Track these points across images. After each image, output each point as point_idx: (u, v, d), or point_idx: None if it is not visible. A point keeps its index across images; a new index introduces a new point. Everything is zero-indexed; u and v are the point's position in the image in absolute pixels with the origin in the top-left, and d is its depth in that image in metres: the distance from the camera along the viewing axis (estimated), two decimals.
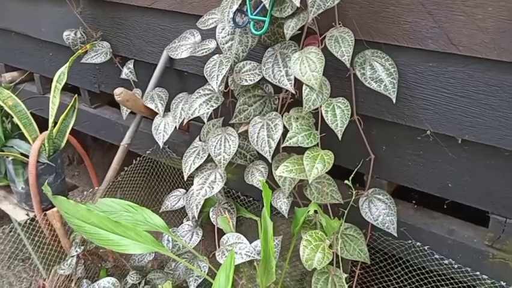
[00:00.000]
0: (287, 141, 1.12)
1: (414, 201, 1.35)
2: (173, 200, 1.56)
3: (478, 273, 1.19)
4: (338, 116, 1.06)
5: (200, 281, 1.38)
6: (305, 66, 1.06)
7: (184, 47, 1.37)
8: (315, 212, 1.19)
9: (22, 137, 1.67)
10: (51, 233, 1.55)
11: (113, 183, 1.64)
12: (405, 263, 1.33)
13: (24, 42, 2.17)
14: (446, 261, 1.24)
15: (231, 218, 1.36)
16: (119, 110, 2.13)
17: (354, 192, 1.14)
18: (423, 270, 1.32)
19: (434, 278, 1.31)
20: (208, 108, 1.21)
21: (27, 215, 1.60)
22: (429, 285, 1.32)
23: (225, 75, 1.14)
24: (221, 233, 1.36)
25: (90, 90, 2.08)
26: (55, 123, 1.59)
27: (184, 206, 1.54)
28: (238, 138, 1.25)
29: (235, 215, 1.40)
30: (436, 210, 1.33)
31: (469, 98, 1.06)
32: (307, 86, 1.07)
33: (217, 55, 1.21)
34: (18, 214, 1.59)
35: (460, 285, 1.26)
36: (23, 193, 1.58)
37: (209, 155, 1.30)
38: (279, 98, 1.25)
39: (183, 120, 1.36)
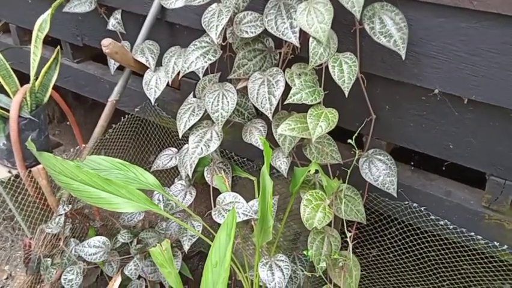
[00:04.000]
0: (290, 97, 1.07)
1: (412, 163, 1.34)
2: (165, 159, 1.51)
3: (472, 233, 1.20)
4: (345, 71, 1.01)
5: (194, 240, 1.35)
6: (312, 17, 1.00)
7: None
8: (316, 171, 1.16)
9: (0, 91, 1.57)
10: (36, 191, 1.49)
11: (101, 141, 1.57)
12: (399, 224, 1.34)
13: None
14: (441, 222, 1.24)
15: (226, 177, 1.33)
16: (104, 65, 2.03)
17: (357, 152, 1.11)
18: (418, 231, 1.33)
19: (428, 239, 1.32)
20: (206, 62, 1.14)
21: (10, 172, 1.52)
22: (422, 245, 1.34)
23: (224, 26, 1.07)
24: (216, 192, 1.33)
25: (72, 44, 1.96)
26: (36, 77, 1.49)
27: (176, 166, 1.50)
28: (236, 94, 1.19)
29: (231, 174, 1.36)
30: (433, 172, 1.33)
31: (479, 57, 1.03)
32: (315, 39, 1.01)
33: (215, 4, 1.13)
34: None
35: (453, 245, 1.28)
36: (4, 149, 1.50)
37: (205, 112, 1.25)
38: (280, 53, 1.19)
39: (178, 74, 1.28)
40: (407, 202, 1.28)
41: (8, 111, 1.46)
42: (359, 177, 1.22)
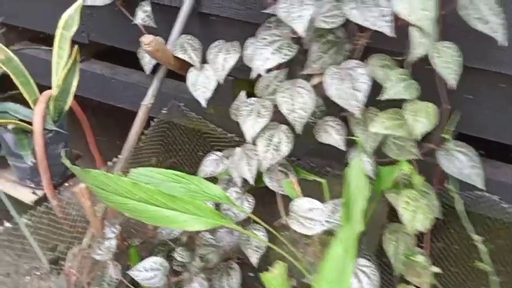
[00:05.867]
0: (385, 92, 0.98)
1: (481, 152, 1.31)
2: (212, 165, 1.38)
3: None
4: (452, 61, 0.94)
5: (262, 252, 1.25)
6: (412, 3, 0.91)
7: None
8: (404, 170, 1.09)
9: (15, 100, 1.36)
10: (64, 211, 1.31)
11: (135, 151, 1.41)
12: (469, 214, 1.31)
13: None
14: None
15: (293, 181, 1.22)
16: (110, 64, 1.83)
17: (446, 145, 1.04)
18: (488, 220, 1.30)
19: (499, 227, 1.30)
20: (283, 58, 1.02)
21: (34, 193, 1.33)
22: (492, 234, 1.32)
23: (312, 16, 0.95)
24: (283, 199, 1.23)
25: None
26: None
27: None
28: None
29: (295, 177, 1.26)
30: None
31: None
32: (417, 27, 0.92)
33: None
34: (22, 193, 1.32)
35: None
36: (27, 168, 1.30)
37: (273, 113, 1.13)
38: (356, 44, 1.09)
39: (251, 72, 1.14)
40: (479, 191, 1.24)
41: (28, 123, 1.26)
42: (424, 171, 1.16)
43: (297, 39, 1.10)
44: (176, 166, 1.67)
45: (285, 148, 1.14)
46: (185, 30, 1.36)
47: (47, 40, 2.03)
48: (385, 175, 1.10)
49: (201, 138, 1.62)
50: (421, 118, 0.96)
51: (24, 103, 1.34)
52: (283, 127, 1.17)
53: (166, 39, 1.34)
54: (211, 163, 1.39)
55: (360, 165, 1.02)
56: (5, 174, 1.38)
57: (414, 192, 1.06)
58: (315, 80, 1.10)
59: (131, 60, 1.73)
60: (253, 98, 1.19)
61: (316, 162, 1.46)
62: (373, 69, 1.04)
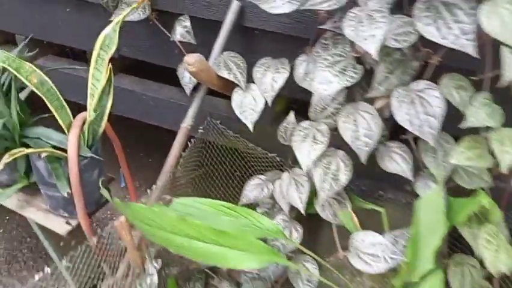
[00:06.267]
0: (467, 120, 0.87)
1: None
2: (256, 190, 1.28)
3: None
4: None
5: (313, 286, 1.15)
6: (505, 19, 0.80)
7: None
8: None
9: (43, 123, 1.27)
10: (98, 240, 1.22)
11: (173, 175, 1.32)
12: None
13: None
14: None
15: (351, 211, 1.12)
16: (138, 78, 1.75)
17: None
18: None
19: None
20: (347, 81, 0.92)
21: (68, 223, 1.24)
22: None
23: (385, 35, 0.84)
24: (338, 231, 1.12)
25: None
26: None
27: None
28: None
29: (350, 206, 1.15)
30: None
31: None
32: (511, 48, 0.81)
33: (357, 8, 0.91)
34: (55, 224, 1.23)
35: None
36: (60, 197, 1.21)
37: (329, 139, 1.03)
38: (426, 63, 0.98)
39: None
40: None
41: (62, 149, 1.18)
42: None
43: (358, 58, 1.00)
44: (207, 179, 1.58)
45: (344, 177, 1.04)
46: (226, 46, 1.26)
47: (73, 54, 1.96)
48: (459, 208, 0.99)
49: (238, 157, 1.53)
50: (509, 148, 0.85)
51: (56, 125, 1.26)
52: (341, 153, 1.07)
53: (201, 52, 1.25)
54: (254, 188, 1.29)
55: (435, 200, 0.92)
56: (36, 202, 1.29)
57: (494, 228, 0.95)
58: (380, 103, 0.99)
59: (157, 72, 1.65)
60: (306, 122, 1.09)
61: (366, 184, 1.36)
62: (447, 92, 0.93)
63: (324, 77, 0.92)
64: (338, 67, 0.94)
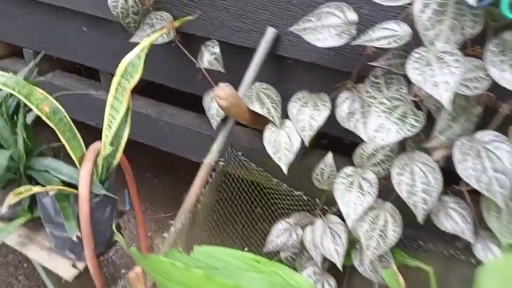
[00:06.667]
0: None
1: None
2: (284, 236, 1.16)
3: None
4: None
5: None
6: None
7: (330, 29, 0.92)
8: None
9: (47, 153, 1.15)
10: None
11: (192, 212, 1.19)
12: None
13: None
14: None
15: (394, 268, 1.00)
16: (155, 101, 1.63)
17: None
18: None
19: None
20: (409, 130, 0.80)
21: (74, 266, 1.11)
22: None
23: (459, 81, 0.73)
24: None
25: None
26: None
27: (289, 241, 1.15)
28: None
29: (393, 262, 1.03)
30: None
31: None
32: None
33: (422, 48, 0.79)
34: (60, 266, 1.10)
35: None
36: (68, 238, 1.08)
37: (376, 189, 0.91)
38: (497, 111, 0.87)
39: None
40: None
41: (71, 185, 1.05)
42: None
43: (416, 102, 0.89)
44: (225, 216, 1.45)
45: (393, 233, 0.92)
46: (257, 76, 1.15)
47: (81, 70, 1.85)
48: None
49: (260, 193, 1.40)
50: None
51: (64, 152, 1.14)
52: (389, 205, 0.95)
53: (227, 79, 1.13)
54: (282, 233, 1.17)
55: (503, 268, 0.79)
56: (38, 239, 1.16)
57: None
58: (439, 154, 0.88)
59: (174, 93, 1.53)
60: (350, 168, 0.97)
61: (405, 233, 1.24)
62: None
63: (380, 124, 0.80)
64: (396, 113, 0.82)
